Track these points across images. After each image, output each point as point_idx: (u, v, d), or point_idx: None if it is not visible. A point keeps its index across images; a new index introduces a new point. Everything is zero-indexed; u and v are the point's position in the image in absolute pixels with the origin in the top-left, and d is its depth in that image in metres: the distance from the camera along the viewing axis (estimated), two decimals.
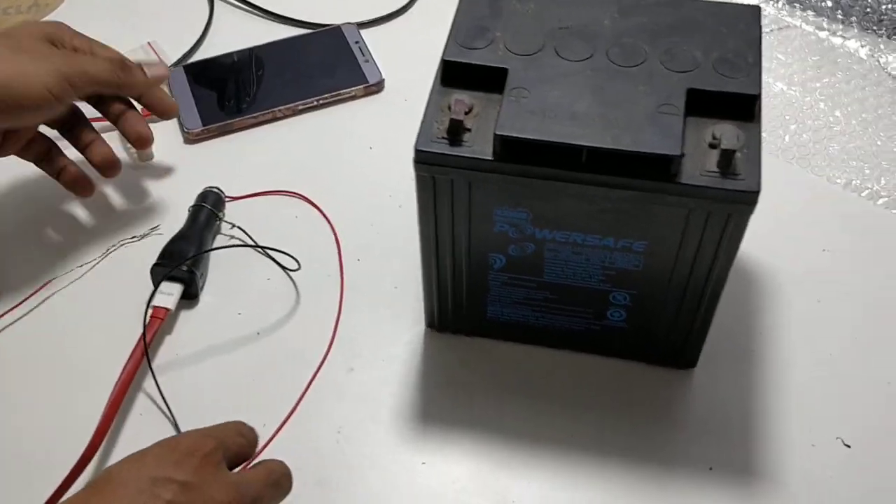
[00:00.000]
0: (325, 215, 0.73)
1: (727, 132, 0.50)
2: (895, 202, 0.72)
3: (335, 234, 0.72)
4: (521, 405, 0.62)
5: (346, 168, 0.77)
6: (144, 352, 0.61)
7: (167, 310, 0.64)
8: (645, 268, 0.56)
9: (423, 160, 0.52)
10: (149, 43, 0.86)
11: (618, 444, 0.60)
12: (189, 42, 0.87)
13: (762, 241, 0.69)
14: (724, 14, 0.56)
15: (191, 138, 0.78)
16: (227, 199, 0.73)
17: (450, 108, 0.53)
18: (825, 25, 0.84)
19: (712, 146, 0.51)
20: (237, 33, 0.88)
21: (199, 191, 0.72)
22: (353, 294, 0.68)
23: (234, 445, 0.51)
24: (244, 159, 0.78)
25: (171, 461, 0.47)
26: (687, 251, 0.54)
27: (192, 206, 0.71)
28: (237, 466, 0.51)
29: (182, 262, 0.65)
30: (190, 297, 0.67)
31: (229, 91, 0.81)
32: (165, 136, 0.78)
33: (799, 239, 0.71)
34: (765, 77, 0.81)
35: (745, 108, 0.52)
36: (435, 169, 0.53)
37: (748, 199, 0.50)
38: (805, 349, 0.65)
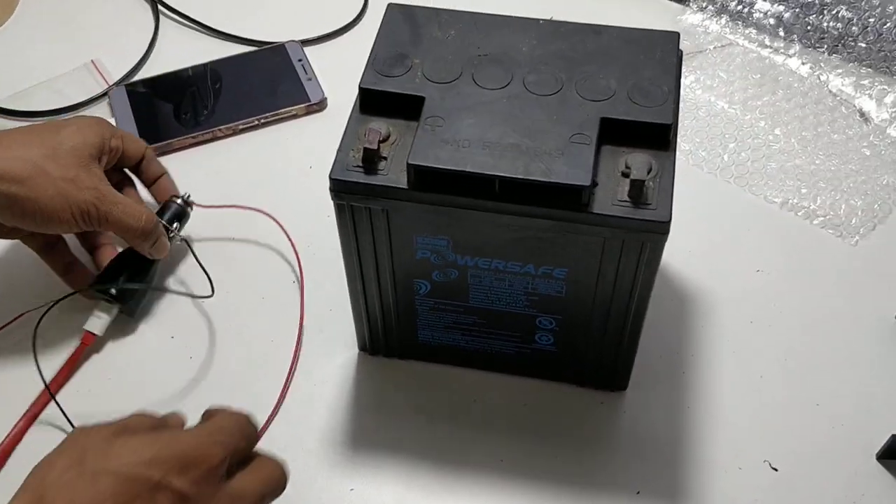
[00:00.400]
0: (285, 229, 0.73)
1: (639, 162, 0.51)
2: (830, 222, 0.72)
3: (277, 255, 0.72)
4: (453, 429, 0.62)
5: (285, 188, 0.77)
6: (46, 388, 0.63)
7: (94, 335, 0.64)
8: (568, 293, 0.56)
9: (339, 189, 0.52)
10: (92, 61, 0.86)
11: (547, 468, 0.60)
12: (132, 60, 0.86)
13: (697, 260, 0.70)
14: (642, 41, 0.56)
15: None
16: (192, 209, 0.72)
17: (365, 135, 0.53)
18: (767, 43, 0.84)
19: (625, 175, 0.51)
20: (182, 51, 0.87)
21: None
22: (287, 317, 0.68)
23: (239, 452, 0.48)
24: (185, 179, 0.77)
25: (175, 465, 0.43)
26: (606, 277, 0.54)
27: None
28: (236, 467, 0.49)
29: (110, 285, 0.65)
30: (130, 313, 0.68)
31: (170, 110, 0.81)
32: None
33: (734, 259, 0.71)
34: (706, 95, 0.81)
35: (658, 136, 0.52)
36: (351, 197, 0.53)
37: (659, 228, 0.50)
38: (735, 371, 0.65)
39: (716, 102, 0.81)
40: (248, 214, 0.74)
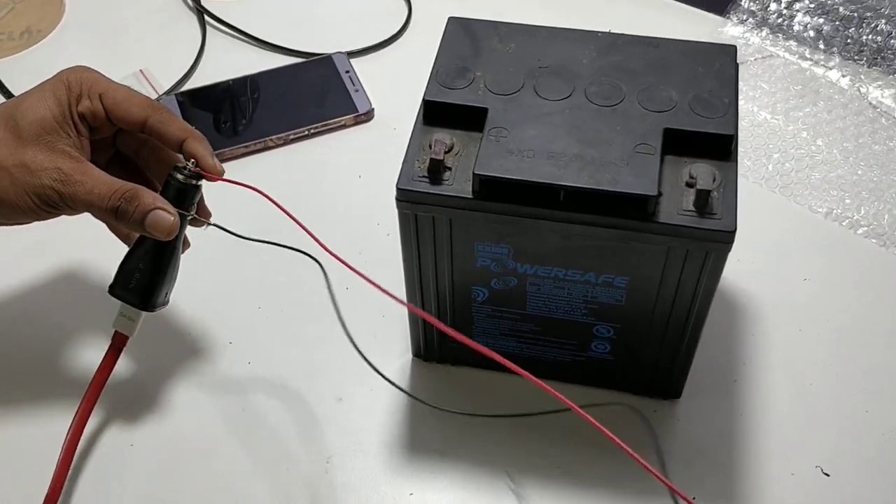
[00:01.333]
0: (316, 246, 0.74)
1: (703, 172, 0.51)
2: (874, 231, 0.73)
3: (321, 264, 0.73)
4: (508, 435, 0.63)
5: (335, 196, 0.78)
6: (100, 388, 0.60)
7: (126, 336, 0.60)
8: (627, 302, 0.57)
9: (405, 198, 0.53)
10: (141, 70, 0.87)
11: (603, 475, 0.61)
12: (181, 70, 0.88)
13: (746, 269, 0.71)
14: (699, 54, 0.57)
15: None
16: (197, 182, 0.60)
17: (430, 146, 0.54)
18: (808, 55, 0.85)
19: (689, 185, 0.52)
20: (229, 62, 0.89)
21: None
22: (339, 325, 0.69)
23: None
24: (234, 191, 0.78)
25: None
26: (668, 286, 0.55)
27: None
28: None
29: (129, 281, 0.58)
30: (160, 307, 0.60)
31: (220, 120, 0.82)
32: None
33: (781, 268, 0.72)
34: (749, 106, 0.82)
35: (721, 147, 0.53)
36: (417, 207, 0.54)
37: (724, 238, 0.51)
38: (786, 379, 0.66)
39: (759, 113, 0.82)
40: (292, 223, 0.76)
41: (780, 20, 0.87)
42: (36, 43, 0.91)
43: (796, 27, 0.87)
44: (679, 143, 0.53)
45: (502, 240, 0.55)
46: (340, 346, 0.68)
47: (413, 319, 0.64)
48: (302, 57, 0.89)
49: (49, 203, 0.55)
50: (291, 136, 0.81)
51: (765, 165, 0.78)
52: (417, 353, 0.67)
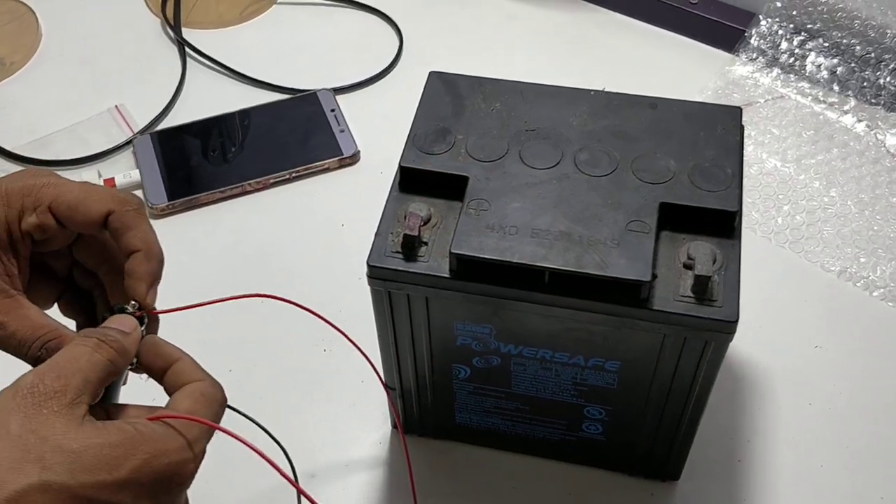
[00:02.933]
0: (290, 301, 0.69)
1: (702, 253, 0.47)
2: (891, 294, 0.68)
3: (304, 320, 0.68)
4: None
5: (315, 246, 0.74)
6: None
7: None
8: (620, 386, 0.52)
9: (377, 275, 0.49)
10: (116, 106, 0.83)
11: None
12: (158, 106, 0.83)
13: (751, 334, 0.66)
14: (701, 116, 0.52)
15: (156, 213, 0.75)
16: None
17: (405, 218, 0.49)
18: (821, 98, 0.80)
19: (687, 267, 0.47)
20: (209, 97, 0.85)
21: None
22: (316, 389, 0.65)
23: (97, 373, 0.40)
24: (210, 237, 0.74)
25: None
26: (663, 373, 0.50)
27: None
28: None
29: None
30: None
31: (198, 162, 0.78)
32: None
33: (790, 333, 0.67)
34: (758, 152, 0.77)
35: (723, 224, 0.48)
36: (390, 284, 0.49)
37: (725, 328, 0.46)
38: (794, 459, 0.61)
39: (768, 160, 0.77)
40: (269, 275, 0.71)
41: (791, 60, 0.82)
42: (9, 75, 0.87)
43: (809, 67, 0.82)
44: (677, 219, 0.48)
45: (483, 319, 0.50)
46: (316, 413, 0.64)
47: (387, 368, 0.59)
48: (285, 93, 0.84)
49: None
50: (272, 181, 0.77)
51: (774, 218, 0.73)
52: (397, 426, 0.62)
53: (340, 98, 0.83)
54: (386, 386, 0.59)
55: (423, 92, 0.55)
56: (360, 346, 0.66)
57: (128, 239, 0.46)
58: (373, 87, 0.86)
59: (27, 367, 0.42)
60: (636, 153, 0.51)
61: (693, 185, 0.49)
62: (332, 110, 0.82)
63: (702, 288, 0.46)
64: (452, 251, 0.47)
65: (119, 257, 0.47)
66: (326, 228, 0.75)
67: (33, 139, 0.81)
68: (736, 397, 0.64)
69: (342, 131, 0.80)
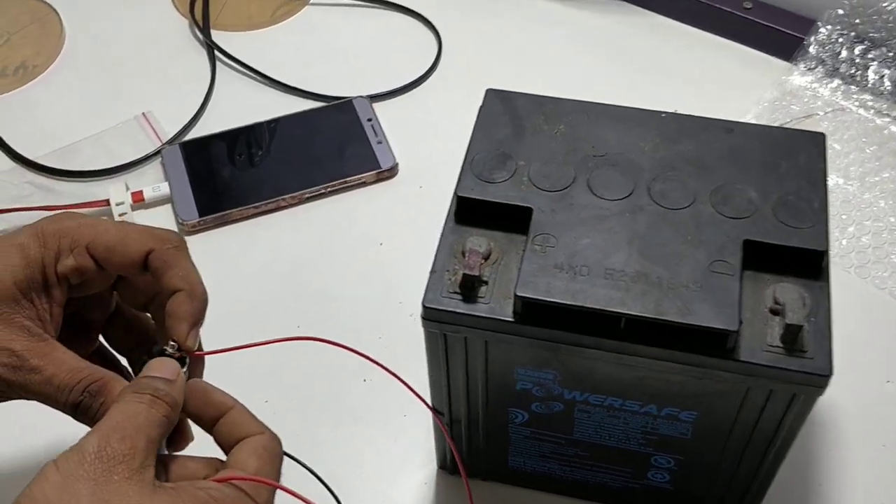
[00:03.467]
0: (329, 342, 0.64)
1: (791, 298, 0.43)
2: None
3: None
4: None
5: (352, 268, 0.70)
6: None
7: None
8: (694, 436, 0.48)
9: (433, 318, 0.45)
10: (143, 114, 0.80)
11: None
12: (187, 113, 0.80)
13: None
14: (781, 142, 0.48)
15: (186, 230, 0.71)
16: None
17: (464, 254, 0.45)
18: (884, 110, 0.76)
19: (774, 312, 0.43)
20: (240, 104, 0.81)
21: None
22: (355, 424, 0.61)
23: (158, 431, 0.38)
24: (243, 255, 0.71)
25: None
26: (744, 423, 0.46)
27: None
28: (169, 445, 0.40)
29: None
30: None
31: (229, 175, 0.74)
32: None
33: (859, 367, 0.62)
34: None
35: (810, 264, 0.44)
36: (446, 326, 0.45)
37: (818, 381, 0.42)
38: None
39: (829, 176, 0.72)
40: (305, 295, 0.68)
41: (852, 70, 0.78)
42: (31, 80, 0.83)
43: (871, 78, 0.77)
44: (761, 258, 0.44)
45: (547, 365, 0.46)
46: (354, 450, 0.60)
47: (440, 432, 0.55)
48: (319, 100, 0.80)
49: None
50: (307, 195, 0.73)
51: (838, 240, 0.69)
52: (443, 465, 0.58)
53: (377, 105, 0.79)
54: (434, 410, 0.55)
55: (480, 111, 0.51)
56: (402, 376, 0.63)
57: (169, 278, 0.44)
58: (410, 94, 0.81)
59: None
60: (714, 183, 0.47)
61: (778, 221, 0.45)
62: (369, 120, 0.78)
63: (792, 337, 0.42)
64: (518, 294, 0.43)
65: (163, 297, 0.44)
66: (364, 246, 0.71)
67: (57, 147, 0.77)
68: (806, 439, 0.60)
69: (379, 143, 0.76)
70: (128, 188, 0.73)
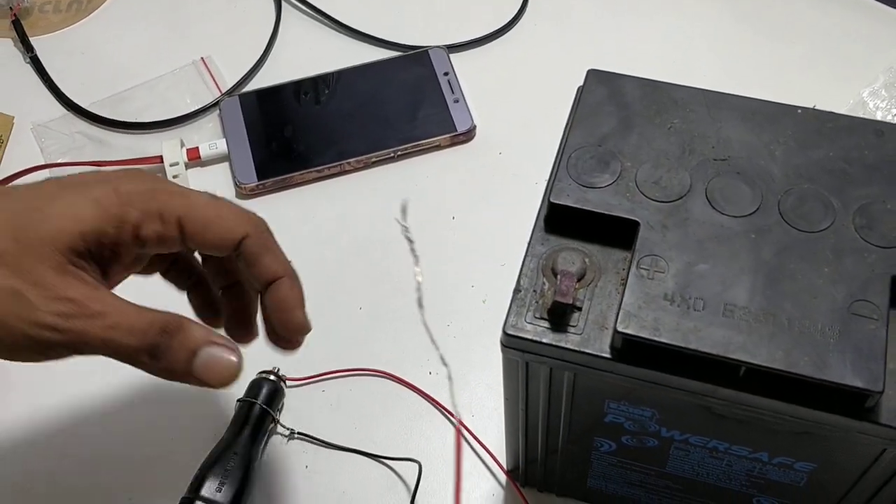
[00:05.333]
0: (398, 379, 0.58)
1: None
2: None
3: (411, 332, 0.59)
4: None
5: (421, 243, 0.62)
6: None
7: None
8: (808, 486, 0.42)
9: (515, 346, 0.39)
10: (202, 59, 0.74)
11: None
12: (249, 60, 0.73)
13: None
14: None
15: (244, 193, 0.66)
16: (288, 385, 0.56)
17: (554, 272, 0.39)
18: None
19: None
20: (305, 51, 0.74)
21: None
22: (422, 415, 0.56)
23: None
24: (303, 224, 0.65)
25: None
26: (870, 483, 0.40)
27: (240, 402, 0.54)
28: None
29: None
30: None
31: (290, 133, 0.68)
32: (213, 190, 0.66)
33: None
34: None
35: None
36: (530, 356, 0.39)
37: None
38: None
39: None
40: (370, 271, 0.62)
41: None
42: (85, 16, 0.78)
43: None
44: None
45: (645, 403, 0.40)
46: (419, 450, 0.55)
47: (513, 446, 0.50)
48: (393, 49, 0.73)
49: (47, 348, 0.38)
50: (373, 159, 0.67)
51: None
52: (514, 471, 0.53)
53: (453, 58, 0.72)
54: (508, 474, 0.50)
55: (580, 97, 0.43)
56: (476, 370, 0.57)
57: (267, 264, 0.42)
58: (491, 45, 0.74)
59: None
60: (859, 200, 0.39)
61: None
62: (446, 74, 0.70)
63: None
64: (619, 330, 0.36)
65: (253, 282, 0.43)
66: (435, 219, 0.65)
67: (110, 94, 0.72)
68: None
69: (456, 101, 0.69)
70: (183, 144, 0.67)
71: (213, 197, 0.42)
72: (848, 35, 0.72)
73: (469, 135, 0.68)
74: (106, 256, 0.40)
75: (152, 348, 0.39)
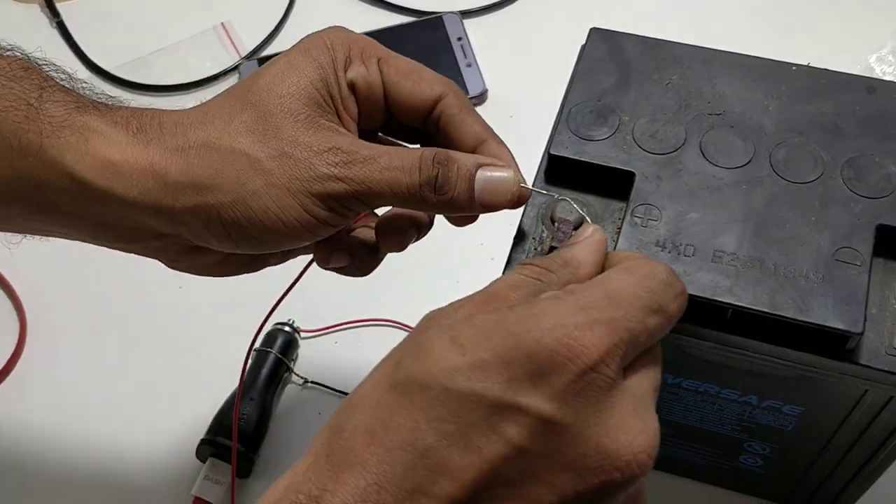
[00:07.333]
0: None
1: None
2: None
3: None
4: None
5: None
6: None
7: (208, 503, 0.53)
8: (795, 429, 0.44)
9: None
10: (222, 24, 0.76)
11: None
12: (267, 25, 0.75)
13: None
14: None
15: None
16: (301, 336, 0.59)
17: (553, 221, 0.41)
18: None
19: None
20: (322, 15, 0.76)
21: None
22: None
23: (641, 338, 0.31)
24: None
25: (527, 372, 0.29)
26: (853, 426, 0.41)
27: (256, 351, 0.57)
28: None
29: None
30: (244, 475, 0.55)
31: None
32: None
33: None
34: None
35: None
36: None
37: None
38: None
39: None
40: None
41: None
42: None
43: None
44: (894, 245, 0.39)
45: None
46: None
47: None
48: (409, 15, 0.75)
49: (335, 202, 0.37)
50: None
51: None
52: None
53: (467, 23, 0.73)
54: None
55: (581, 55, 0.45)
56: None
57: (469, 125, 0.40)
58: (504, 11, 0.75)
59: None
60: (848, 153, 0.40)
61: None
62: (459, 38, 0.72)
63: None
64: None
65: (443, 140, 0.40)
66: None
67: (133, 58, 0.74)
68: None
69: (469, 65, 0.71)
70: None
71: (412, 61, 0.41)
72: (855, 1, 0.73)
73: (481, 98, 0.70)
74: (343, 101, 0.39)
75: (432, 181, 0.37)
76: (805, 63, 0.44)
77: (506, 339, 0.29)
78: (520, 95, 0.70)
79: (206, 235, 0.38)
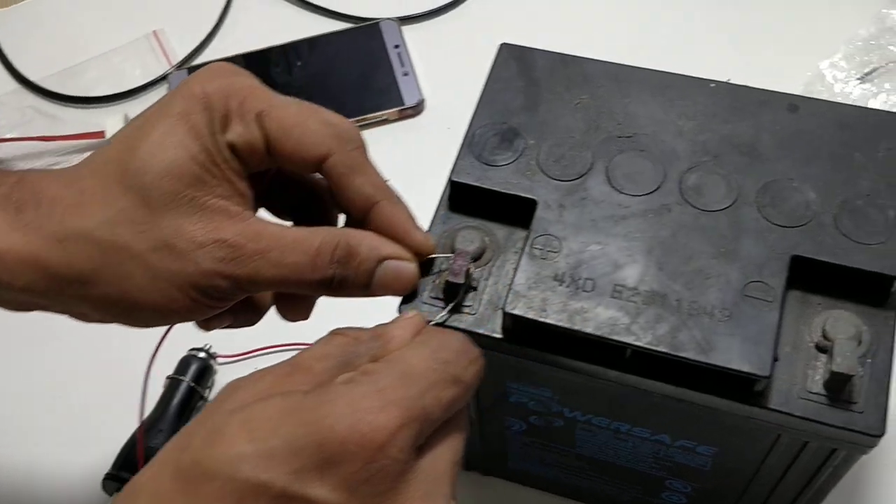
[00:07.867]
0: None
1: (843, 333, 0.35)
2: None
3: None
4: None
5: None
6: None
7: None
8: (713, 470, 0.41)
9: None
10: (154, 32, 0.73)
11: None
12: (200, 33, 0.73)
13: None
14: (859, 127, 0.39)
15: None
16: (218, 362, 0.56)
17: (453, 251, 0.38)
18: None
19: (821, 349, 0.35)
20: (257, 24, 0.73)
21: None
22: None
23: (435, 412, 0.30)
24: None
25: (316, 460, 0.28)
26: (772, 470, 0.39)
27: (169, 379, 0.54)
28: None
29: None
30: None
31: None
32: None
33: None
34: None
35: (875, 290, 0.36)
36: None
37: (865, 441, 0.34)
38: None
39: None
40: None
41: None
42: None
43: None
44: (812, 276, 0.36)
45: (544, 383, 0.40)
46: None
47: None
48: (345, 21, 0.72)
49: (217, 296, 0.35)
50: None
51: None
52: None
53: (405, 30, 0.71)
54: None
55: (490, 74, 0.42)
56: None
57: (359, 187, 0.37)
58: (443, 18, 0.72)
59: None
60: (765, 178, 0.38)
61: (839, 233, 0.36)
62: (396, 46, 0.69)
63: (838, 386, 0.34)
64: (507, 310, 0.36)
65: (343, 208, 0.38)
66: None
67: (63, 68, 0.72)
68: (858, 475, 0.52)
69: (405, 74, 0.68)
70: (127, 118, 0.67)
71: (301, 103, 0.37)
72: (809, 6, 0.70)
73: (418, 108, 0.67)
74: (227, 164, 0.36)
75: (328, 281, 0.35)
76: (725, 79, 0.41)
77: (298, 426, 0.28)
78: (459, 106, 0.65)
79: (98, 316, 0.37)
